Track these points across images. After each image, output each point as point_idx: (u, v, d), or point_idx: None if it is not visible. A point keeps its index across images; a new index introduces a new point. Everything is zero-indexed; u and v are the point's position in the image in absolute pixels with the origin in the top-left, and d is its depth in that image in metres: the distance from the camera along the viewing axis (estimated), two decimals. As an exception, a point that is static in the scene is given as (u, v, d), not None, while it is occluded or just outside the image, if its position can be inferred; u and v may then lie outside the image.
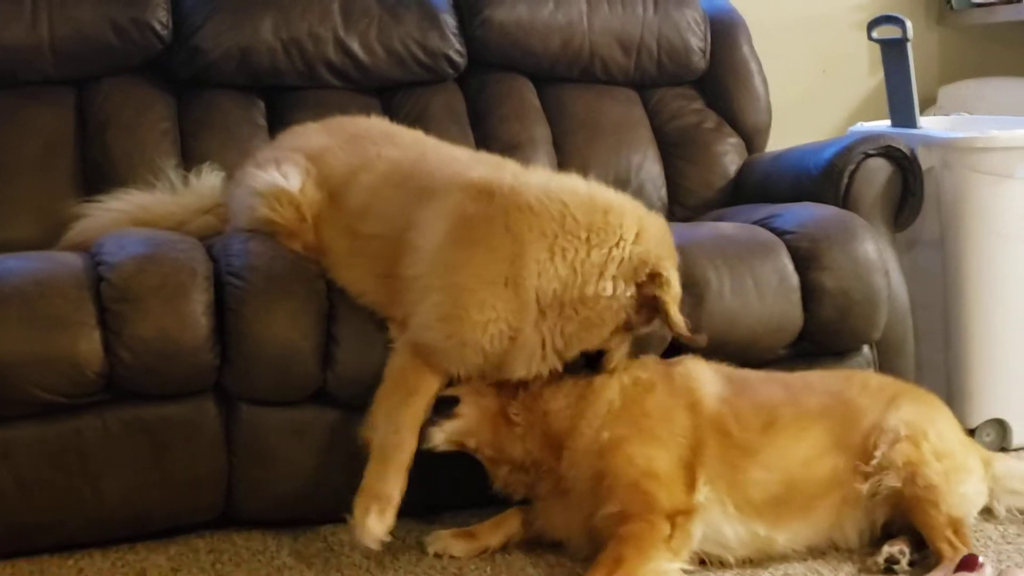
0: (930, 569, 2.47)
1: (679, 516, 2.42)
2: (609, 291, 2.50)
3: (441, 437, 2.56)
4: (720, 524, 2.50)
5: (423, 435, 2.55)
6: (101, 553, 2.69)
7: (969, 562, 2.38)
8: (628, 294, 2.52)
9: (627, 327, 2.57)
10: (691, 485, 2.48)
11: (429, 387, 2.57)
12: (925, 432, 2.58)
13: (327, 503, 2.79)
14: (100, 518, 2.68)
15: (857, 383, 2.72)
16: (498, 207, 2.55)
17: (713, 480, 2.49)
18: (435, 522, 2.79)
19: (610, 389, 2.57)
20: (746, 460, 2.53)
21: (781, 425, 2.58)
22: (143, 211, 3.10)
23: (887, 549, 2.52)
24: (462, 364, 2.56)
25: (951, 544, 2.47)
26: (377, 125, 3.12)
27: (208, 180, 3.22)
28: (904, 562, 2.51)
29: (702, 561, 2.52)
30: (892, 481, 2.53)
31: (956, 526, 2.51)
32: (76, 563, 2.65)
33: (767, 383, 2.69)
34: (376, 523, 2.51)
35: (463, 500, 2.85)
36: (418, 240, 2.61)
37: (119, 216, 3.08)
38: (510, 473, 2.61)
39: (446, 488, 2.79)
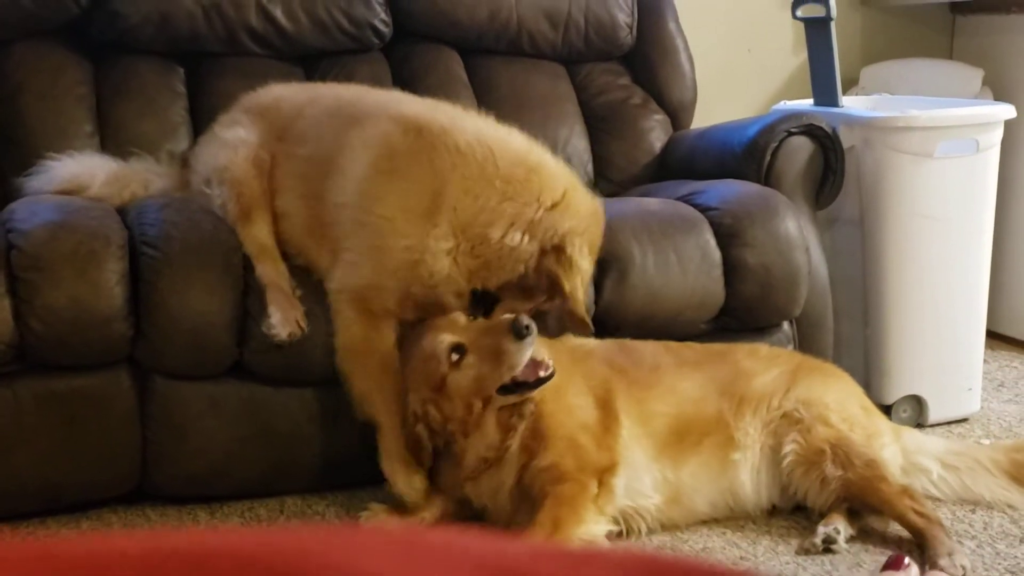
0: (870, 543, 2.53)
1: (605, 473, 2.48)
2: (514, 242, 2.55)
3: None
4: (639, 474, 2.55)
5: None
6: (10, 527, 2.63)
7: (896, 562, 2.40)
8: (529, 251, 2.56)
9: (525, 288, 2.60)
10: (613, 427, 2.54)
11: (388, 338, 2.61)
12: (828, 405, 2.66)
13: (243, 478, 2.78)
14: (10, 492, 2.62)
15: (744, 348, 2.82)
16: (424, 142, 2.63)
17: (627, 412, 2.57)
18: (355, 496, 2.77)
19: None
20: (645, 392, 2.62)
21: (665, 368, 2.68)
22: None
23: (822, 529, 2.53)
24: (399, 298, 2.59)
25: (921, 515, 2.51)
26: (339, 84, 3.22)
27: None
28: (841, 540, 2.52)
29: (620, 533, 2.56)
30: (834, 470, 2.58)
31: (909, 493, 2.57)
32: (-16, 538, 2.59)
33: (647, 343, 2.78)
34: (413, 480, 2.59)
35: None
36: (345, 164, 2.67)
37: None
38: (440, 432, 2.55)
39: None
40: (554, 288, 2.59)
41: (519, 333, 2.40)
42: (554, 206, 2.59)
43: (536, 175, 2.62)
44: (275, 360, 2.66)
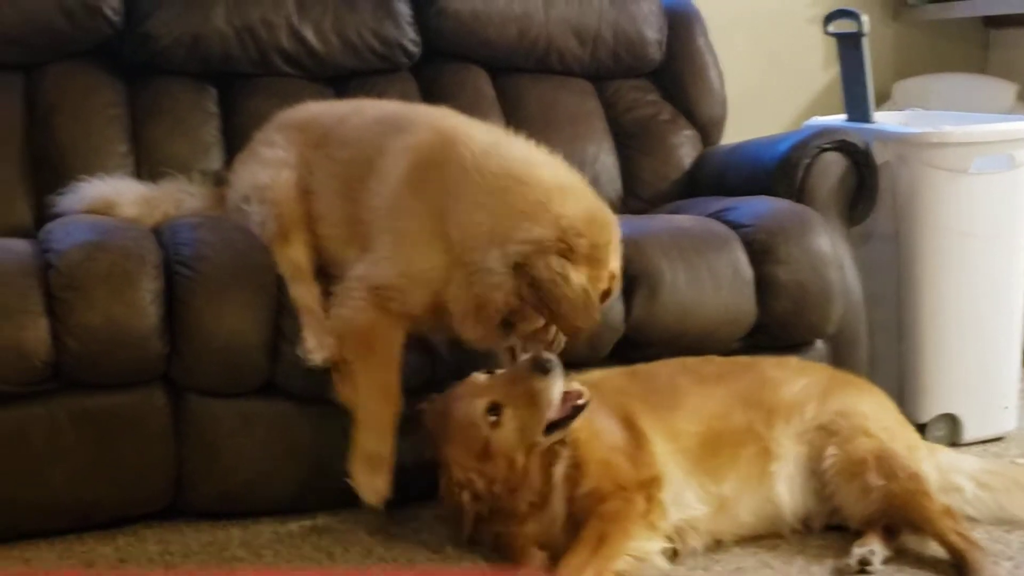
0: (906, 564, 2.50)
1: (651, 488, 2.45)
2: (487, 264, 2.48)
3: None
4: (681, 489, 2.52)
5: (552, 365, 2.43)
6: (47, 543, 2.65)
7: None
8: (500, 271, 2.46)
9: (525, 314, 2.52)
10: (644, 444, 2.52)
11: (395, 338, 2.60)
12: (867, 416, 2.64)
13: (275, 494, 2.79)
14: (46, 508, 2.63)
15: (772, 360, 2.80)
16: (444, 157, 2.61)
17: (653, 430, 2.54)
18: (390, 514, 2.77)
19: None
20: (669, 413, 2.59)
21: (685, 388, 2.65)
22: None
23: (857, 550, 2.50)
24: (420, 304, 2.57)
25: (962, 536, 2.48)
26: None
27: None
28: (877, 561, 2.49)
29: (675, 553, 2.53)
30: (877, 480, 2.55)
31: (951, 514, 2.54)
32: (22, 553, 2.60)
33: (661, 365, 2.76)
34: (375, 481, 2.57)
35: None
36: (384, 169, 2.66)
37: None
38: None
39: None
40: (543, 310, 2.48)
41: (543, 369, 2.39)
42: (523, 215, 2.47)
43: (519, 184, 2.52)
44: (307, 379, 2.67)
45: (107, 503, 2.68)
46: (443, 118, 2.83)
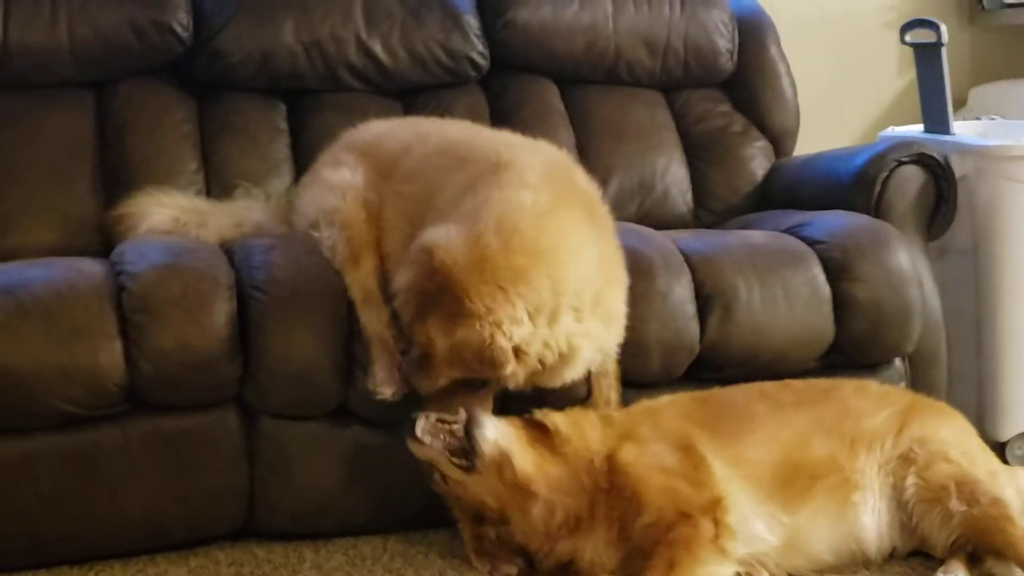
0: None
1: (715, 510, 2.39)
2: None
3: (494, 431, 2.44)
4: (748, 516, 2.45)
5: (479, 421, 2.43)
6: (121, 565, 2.66)
7: None
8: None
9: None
10: (701, 465, 2.46)
11: None
12: (945, 441, 2.57)
13: (347, 516, 2.78)
14: (120, 530, 2.65)
15: (851, 385, 2.72)
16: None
17: (714, 455, 2.47)
18: (457, 535, 2.75)
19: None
20: (735, 441, 2.52)
21: (761, 416, 2.59)
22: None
23: None
24: None
25: None
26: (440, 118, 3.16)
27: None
28: None
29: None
30: (958, 505, 2.49)
31: None
32: (96, 574, 2.62)
33: (735, 389, 2.70)
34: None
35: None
36: (439, 207, 2.60)
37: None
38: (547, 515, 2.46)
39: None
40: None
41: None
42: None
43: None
44: (378, 404, 2.65)
45: (180, 524, 2.69)
46: (500, 152, 2.71)
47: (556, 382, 2.56)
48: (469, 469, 2.45)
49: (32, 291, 2.55)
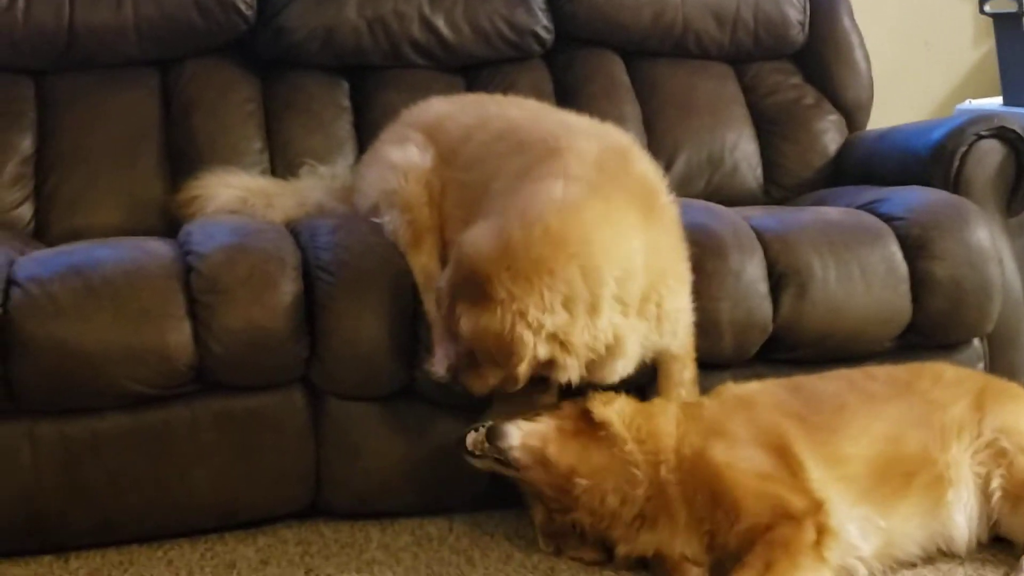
0: None
1: (817, 515, 2.31)
2: None
3: (517, 436, 2.43)
4: (843, 521, 2.36)
5: (498, 432, 2.43)
6: (190, 544, 2.67)
7: None
8: None
9: None
10: (798, 471, 2.37)
11: None
12: None
13: (413, 496, 2.77)
14: (189, 509, 2.65)
15: (927, 375, 2.63)
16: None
17: (810, 456, 2.39)
18: (524, 516, 2.72)
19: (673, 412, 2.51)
20: (830, 437, 2.44)
21: (853, 408, 2.50)
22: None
23: None
24: None
25: None
26: (504, 96, 3.08)
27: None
28: None
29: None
30: None
31: None
32: (165, 554, 2.63)
33: (823, 378, 2.62)
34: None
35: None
36: (493, 193, 2.57)
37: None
38: (581, 506, 2.44)
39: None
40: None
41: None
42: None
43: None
44: (443, 384, 2.62)
45: (248, 503, 2.69)
46: (557, 138, 2.63)
47: (610, 376, 2.49)
48: (517, 471, 2.44)
49: (101, 272, 2.56)
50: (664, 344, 2.57)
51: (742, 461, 2.37)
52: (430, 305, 2.63)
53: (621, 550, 2.45)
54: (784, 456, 2.39)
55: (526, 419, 2.46)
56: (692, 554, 2.38)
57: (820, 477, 2.38)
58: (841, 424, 2.47)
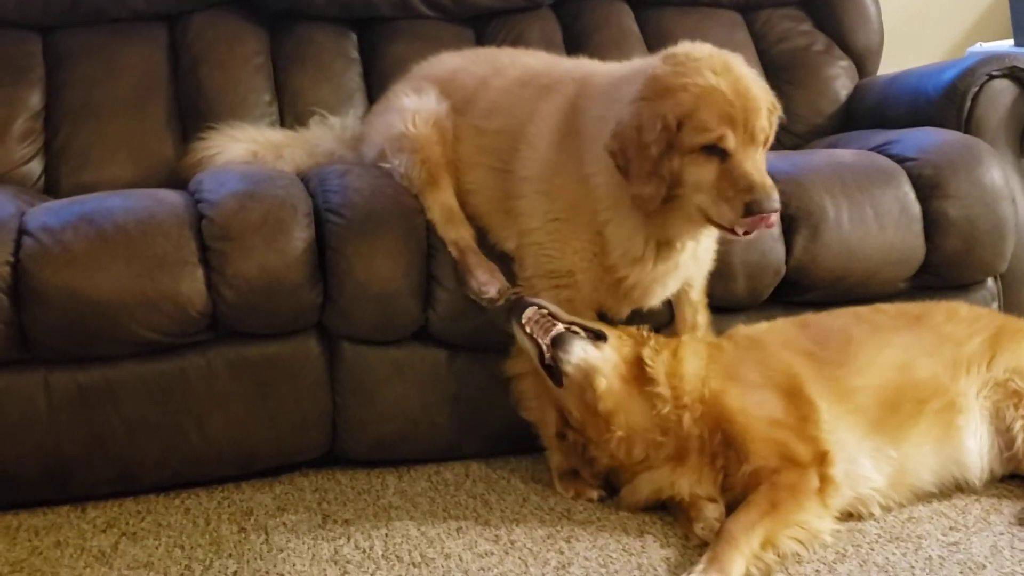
0: None
1: (821, 465, 2.32)
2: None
3: (579, 355, 2.41)
4: (855, 455, 2.38)
5: (564, 341, 2.41)
6: (206, 492, 2.69)
7: None
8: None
9: None
10: (810, 414, 2.37)
11: None
12: None
13: (429, 442, 2.78)
14: (205, 457, 2.66)
15: (942, 310, 2.63)
16: (579, 100, 2.52)
17: (821, 394, 2.39)
18: (539, 461, 2.73)
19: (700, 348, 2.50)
20: (838, 371, 2.44)
21: (859, 339, 2.51)
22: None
23: None
24: (592, 280, 2.53)
25: None
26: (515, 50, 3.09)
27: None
28: None
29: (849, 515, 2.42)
30: None
31: None
32: (182, 502, 2.64)
33: (831, 315, 2.62)
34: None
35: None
36: (533, 135, 2.56)
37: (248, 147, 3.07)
38: (619, 443, 2.43)
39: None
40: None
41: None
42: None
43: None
44: (458, 325, 2.64)
45: (265, 451, 2.70)
46: (580, 67, 2.71)
47: (652, 299, 2.55)
48: (557, 382, 2.43)
49: (113, 220, 2.55)
50: (692, 279, 2.61)
51: (754, 406, 2.38)
52: (456, 236, 2.64)
53: (628, 494, 2.46)
54: (795, 397, 2.40)
55: (591, 339, 2.44)
56: (704, 494, 2.38)
57: (830, 415, 2.38)
58: (848, 357, 2.47)
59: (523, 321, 2.43)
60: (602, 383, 2.39)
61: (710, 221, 2.35)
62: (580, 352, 2.41)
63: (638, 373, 2.43)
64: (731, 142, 2.28)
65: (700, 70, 2.30)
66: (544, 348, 2.42)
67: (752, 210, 2.25)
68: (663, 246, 2.47)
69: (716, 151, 2.29)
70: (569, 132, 2.51)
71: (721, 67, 2.32)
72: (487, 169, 2.68)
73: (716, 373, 2.44)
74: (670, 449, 2.39)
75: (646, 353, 2.44)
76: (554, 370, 2.42)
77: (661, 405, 2.39)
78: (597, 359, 2.41)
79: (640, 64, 2.47)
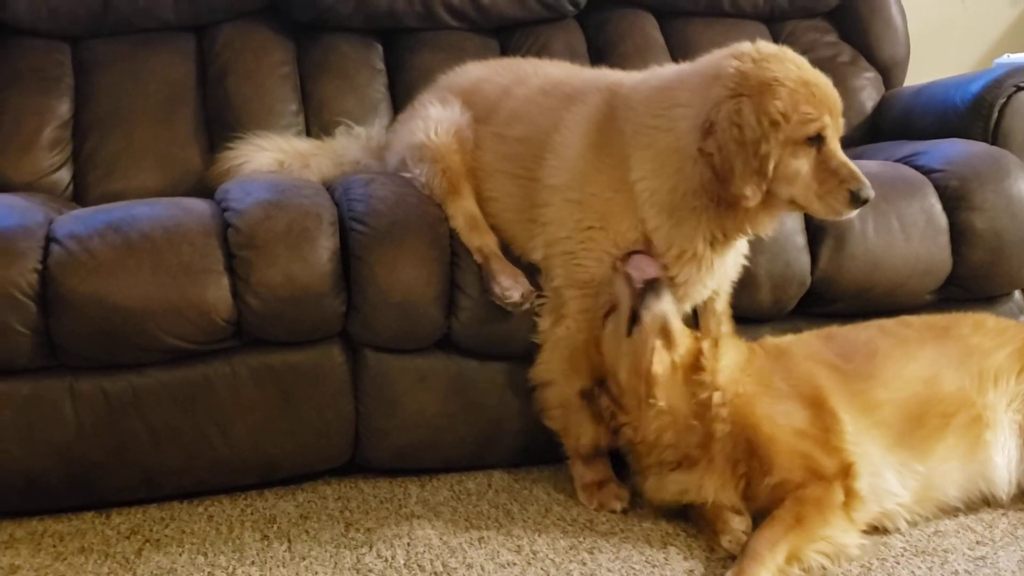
0: None
1: (846, 478, 2.31)
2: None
3: (668, 305, 2.42)
4: (880, 469, 2.37)
5: (658, 288, 2.41)
6: (230, 499, 2.70)
7: None
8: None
9: None
10: (834, 426, 2.36)
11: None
12: None
13: (452, 451, 2.78)
14: (229, 464, 2.67)
15: (968, 322, 2.61)
16: (613, 108, 2.53)
17: (845, 407, 2.38)
18: (562, 471, 2.72)
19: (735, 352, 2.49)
20: (863, 384, 2.43)
21: (885, 353, 2.49)
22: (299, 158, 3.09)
23: None
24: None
25: None
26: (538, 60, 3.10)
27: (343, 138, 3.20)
28: None
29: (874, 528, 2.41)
30: None
31: None
32: (206, 509, 2.65)
33: (856, 327, 2.61)
34: (610, 501, 2.57)
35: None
36: (559, 143, 2.57)
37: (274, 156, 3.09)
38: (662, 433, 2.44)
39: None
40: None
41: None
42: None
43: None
44: (482, 333, 2.65)
45: (288, 459, 2.71)
46: (603, 77, 2.73)
47: (698, 294, 2.58)
48: (628, 330, 2.43)
49: (140, 228, 2.57)
50: (720, 287, 2.63)
51: (781, 416, 2.37)
52: (481, 243, 2.65)
53: (653, 490, 2.46)
54: (820, 409, 2.38)
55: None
56: (728, 502, 2.37)
57: (855, 428, 2.37)
58: (874, 370, 2.46)
59: (629, 268, 2.44)
60: (668, 339, 2.40)
61: (802, 210, 2.42)
62: (668, 304, 2.42)
63: (689, 362, 2.43)
64: (830, 130, 2.32)
65: (784, 63, 2.34)
66: (637, 288, 2.42)
67: (858, 197, 2.32)
68: (716, 243, 2.48)
69: (815, 141, 2.32)
70: (602, 141, 2.52)
71: (797, 60, 2.38)
72: (508, 176, 2.68)
73: (750, 376, 2.43)
74: (696, 440, 2.38)
75: (706, 346, 2.45)
76: (633, 316, 2.42)
77: (701, 392, 2.39)
78: (677, 319, 2.43)
79: (698, 66, 2.47)
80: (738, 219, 2.41)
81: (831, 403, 2.39)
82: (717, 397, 2.38)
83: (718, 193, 2.36)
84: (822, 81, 2.36)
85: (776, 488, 2.31)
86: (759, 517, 2.33)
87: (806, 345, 2.54)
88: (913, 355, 2.49)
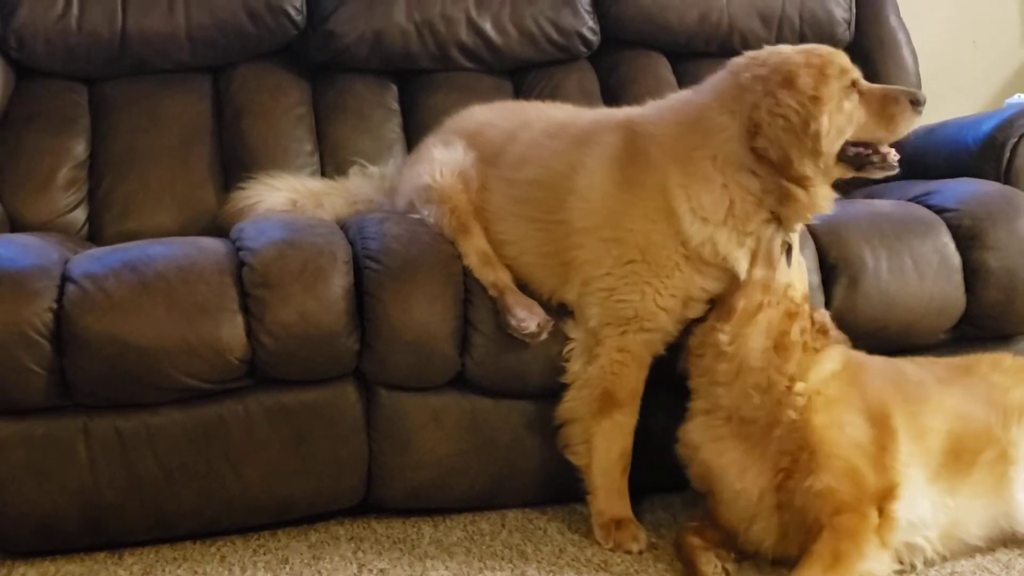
0: None
1: (886, 499, 2.31)
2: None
3: (783, 279, 2.48)
4: (917, 498, 2.36)
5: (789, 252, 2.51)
6: (242, 539, 2.69)
7: None
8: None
9: None
10: (890, 445, 2.37)
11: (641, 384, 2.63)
12: None
13: (465, 490, 2.77)
14: (242, 504, 2.66)
15: (987, 361, 2.63)
16: (634, 145, 2.57)
17: (904, 428, 2.39)
18: (576, 511, 2.71)
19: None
20: (919, 407, 2.44)
21: (929, 383, 2.51)
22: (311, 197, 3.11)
23: None
24: (675, 319, 2.55)
25: None
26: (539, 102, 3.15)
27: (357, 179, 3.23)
28: None
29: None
30: None
31: None
32: (218, 549, 2.65)
33: (893, 361, 2.60)
34: (627, 541, 2.57)
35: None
36: (585, 185, 2.59)
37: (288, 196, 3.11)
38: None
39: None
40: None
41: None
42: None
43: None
44: (496, 371, 2.64)
45: (301, 499, 2.70)
46: (611, 116, 2.76)
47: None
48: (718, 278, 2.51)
49: (154, 268, 2.58)
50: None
51: (848, 426, 2.38)
52: (494, 278, 2.66)
53: (693, 430, 2.50)
54: (883, 427, 2.39)
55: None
56: (760, 488, 2.38)
57: (908, 450, 2.38)
58: (925, 395, 2.47)
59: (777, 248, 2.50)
60: (771, 330, 2.45)
61: (866, 155, 2.54)
62: (785, 276, 2.48)
63: (779, 339, 2.44)
64: (854, 72, 2.53)
65: (780, 52, 2.55)
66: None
67: (917, 99, 2.53)
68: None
69: (851, 90, 2.49)
70: (629, 178, 2.55)
71: (783, 47, 2.60)
72: (523, 219, 2.70)
73: (837, 382, 2.43)
74: (762, 408, 2.40)
75: (796, 327, 2.46)
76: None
77: (774, 373, 2.41)
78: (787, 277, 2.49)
79: (713, 92, 2.57)
80: (799, 205, 2.48)
81: (894, 422, 2.40)
82: (800, 387, 2.39)
83: (779, 185, 2.45)
84: (816, 45, 2.59)
85: (815, 498, 2.31)
86: (782, 529, 2.35)
87: (877, 362, 2.55)
88: (948, 391, 2.50)
